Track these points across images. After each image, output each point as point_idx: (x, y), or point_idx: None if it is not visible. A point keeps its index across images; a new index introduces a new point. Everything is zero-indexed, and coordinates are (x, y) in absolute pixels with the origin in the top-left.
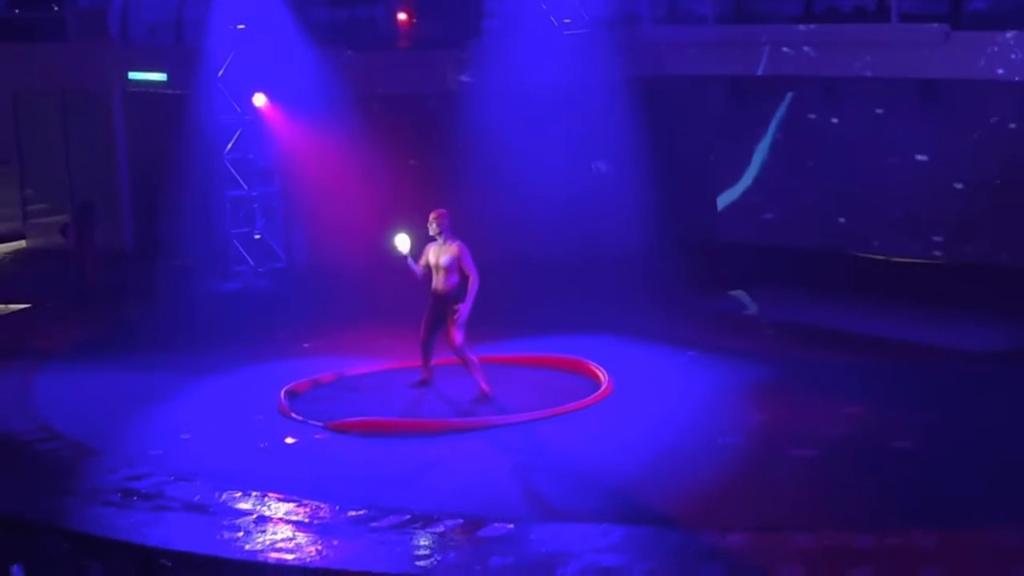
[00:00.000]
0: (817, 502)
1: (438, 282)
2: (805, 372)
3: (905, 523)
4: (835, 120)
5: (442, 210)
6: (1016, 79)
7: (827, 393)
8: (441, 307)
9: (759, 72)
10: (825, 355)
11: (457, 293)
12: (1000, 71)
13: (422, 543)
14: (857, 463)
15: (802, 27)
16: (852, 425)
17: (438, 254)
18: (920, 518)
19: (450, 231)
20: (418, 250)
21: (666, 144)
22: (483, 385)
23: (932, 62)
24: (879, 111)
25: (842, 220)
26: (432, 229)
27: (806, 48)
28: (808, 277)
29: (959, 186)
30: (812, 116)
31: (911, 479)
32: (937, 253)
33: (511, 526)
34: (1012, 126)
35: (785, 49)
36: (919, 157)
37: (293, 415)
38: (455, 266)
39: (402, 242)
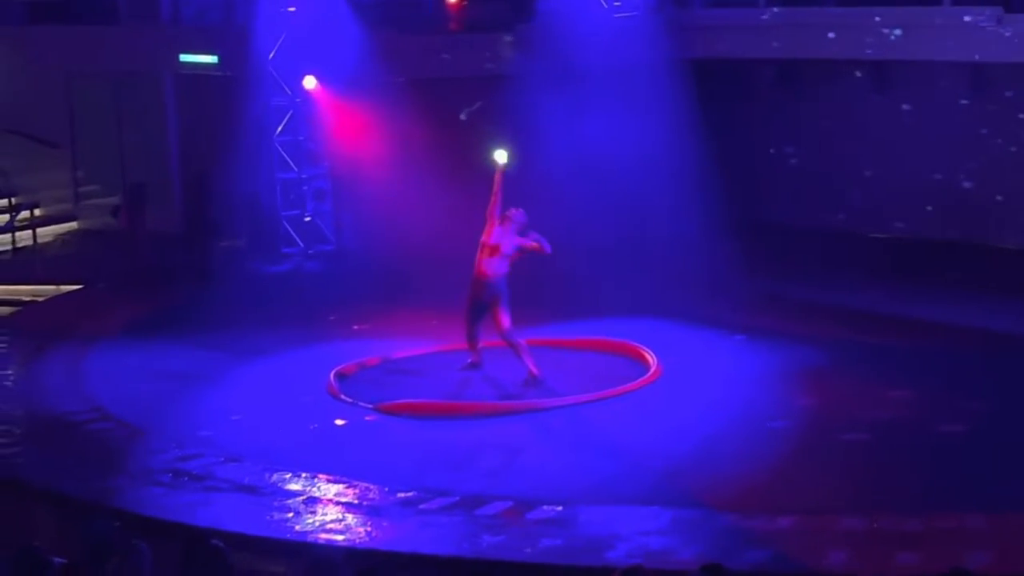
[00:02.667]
0: (866, 486)
1: (490, 265)
2: (855, 356)
3: (954, 507)
4: (885, 103)
5: (522, 211)
6: None
7: (877, 377)
8: (484, 293)
9: (808, 55)
10: (875, 339)
11: (501, 283)
12: None
13: (471, 525)
14: (906, 447)
15: (850, 10)
16: (901, 409)
17: (500, 238)
18: (969, 502)
19: (516, 229)
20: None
21: (715, 126)
22: (532, 368)
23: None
24: (930, 94)
25: (892, 203)
26: (508, 216)
27: (856, 32)
28: (858, 260)
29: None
30: (862, 99)
31: (960, 463)
32: (988, 237)
33: (560, 508)
34: None
35: (831, 34)
36: (971, 139)
37: (342, 397)
38: (511, 255)
39: (501, 156)
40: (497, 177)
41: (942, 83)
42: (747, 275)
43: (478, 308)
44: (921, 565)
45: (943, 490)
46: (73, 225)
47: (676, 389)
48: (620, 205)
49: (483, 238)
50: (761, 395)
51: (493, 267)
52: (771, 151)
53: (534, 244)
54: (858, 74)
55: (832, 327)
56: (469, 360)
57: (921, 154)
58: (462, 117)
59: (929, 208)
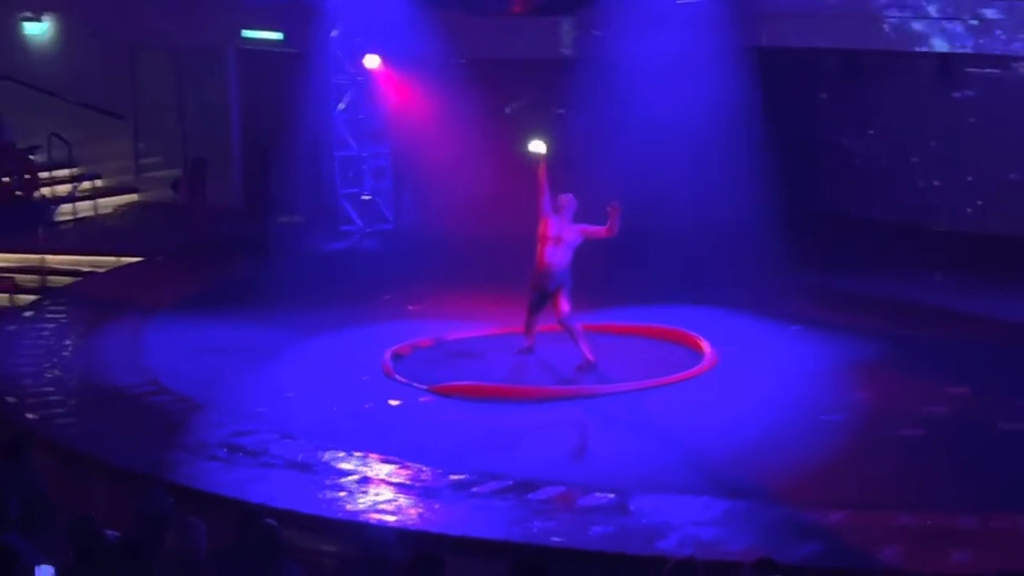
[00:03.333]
0: (921, 482)
1: (553, 256)
2: (912, 350)
3: (1010, 507)
4: (950, 95)
5: (571, 196)
6: None
7: (935, 372)
8: (548, 283)
9: (874, 46)
10: (933, 333)
11: (565, 273)
12: None
13: (522, 510)
14: (963, 444)
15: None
16: (959, 405)
17: (560, 229)
18: None
19: (570, 217)
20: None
21: (777, 115)
22: (587, 354)
23: None
24: (997, 88)
25: (953, 197)
26: (560, 204)
27: (920, 24)
28: (918, 253)
29: None
30: (926, 91)
31: (1018, 461)
32: None
33: (612, 496)
34: None
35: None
36: None
37: (397, 377)
38: (574, 244)
39: (538, 146)
40: (540, 170)
41: (1009, 77)
42: (805, 266)
43: (540, 298)
44: (974, 564)
45: (999, 489)
46: (134, 197)
47: (731, 379)
48: (681, 192)
49: (540, 231)
50: (816, 388)
51: (556, 257)
52: (833, 141)
53: (601, 229)
54: (923, 66)
55: (890, 320)
56: (524, 344)
57: (985, 148)
58: (507, 111)
59: (989, 202)
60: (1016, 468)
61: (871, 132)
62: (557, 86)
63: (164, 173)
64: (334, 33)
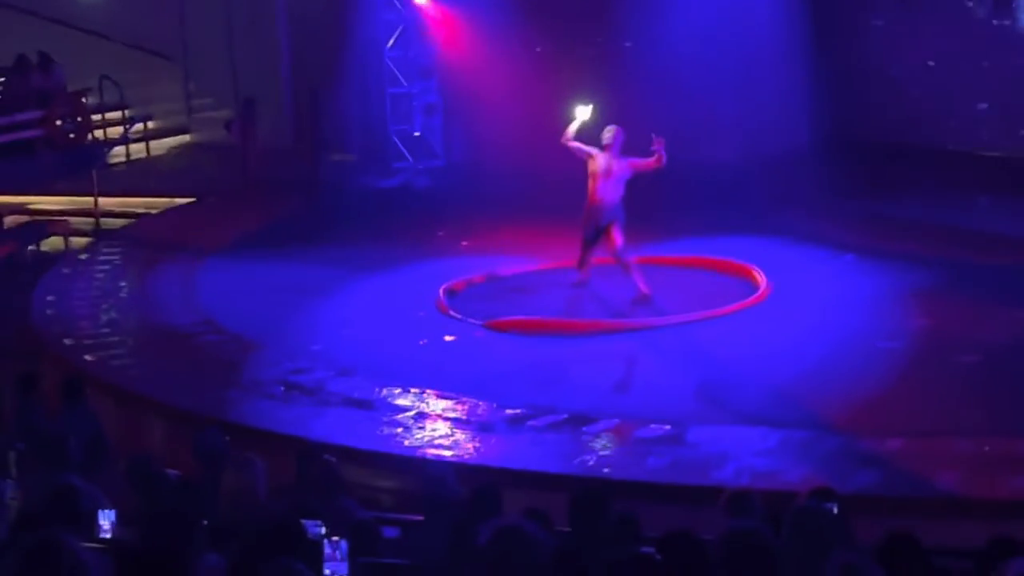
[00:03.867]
0: (979, 408)
1: (604, 191)
2: (968, 276)
3: None
4: (1006, 22)
5: (619, 128)
6: None
7: (993, 297)
8: (601, 218)
9: None
10: (989, 259)
11: (618, 207)
12: None
13: (579, 443)
14: (1021, 370)
15: None
16: (1016, 330)
17: (609, 163)
18: None
19: (619, 149)
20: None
21: (831, 42)
22: (642, 287)
23: None
24: None
25: (1007, 121)
26: (606, 138)
27: None
28: (972, 179)
29: None
30: (982, 17)
31: None
32: None
33: (668, 427)
34: None
35: None
36: None
37: (452, 313)
38: (625, 178)
39: (583, 111)
40: (569, 128)
41: None
42: (857, 194)
43: (594, 233)
44: None
45: None
46: (186, 138)
47: (785, 309)
48: (732, 121)
49: (590, 168)
50: (872, 316)
51: (608, 192)
52: (885, 67)
53: (649, 161)
54: None
55: (945, 247)
56: (578, 278)
57: None
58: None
59: None
60: None
61: (923, 58)
62: (604, 18)
63: (216, 114)
64: None
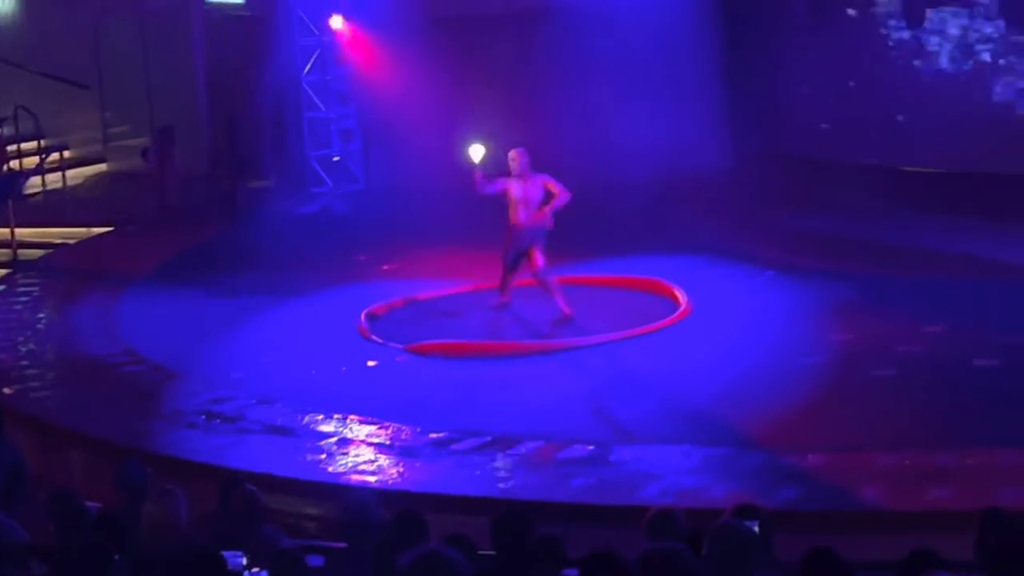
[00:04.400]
0: (899, 422)
1: (524, 216)
2: (886, 291)
3: (987, 443)
4: (913, 35)
5: (521, 148)
6: None
7: (908, 312)
8: (523, 241)
9: None
10: (906, 273)
11: (539, 230)
12: None
13: (503, 465)
14: (939, 382)
15: None
16: (934, 344)
17: (524, 189)
18: (1002, 437)
19: (530, 168)
20: (493, 171)
21: (748, 58)
22: (563, 307)
23: None
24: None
25: (924, 136)
26: (513, 168)
27: None
28: (889, 194)
29: None
30: (889, 30)
31: (994, 398)
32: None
33: (592, 448)
34: None
35: None
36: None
37: (373, 338)
38: (542, 199)
39: (476, 152)
40: (477, 177)
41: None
42: (777, 210)
43: (516, 253)
44: (953, 501)
45: (976, 426)
46: (102, 167)
47: (707, 326)
48: (650, 140)
49: (509, 198)
50: (792, 331)
51: (529, 217)
52: (803, 82)
53: (557, 191)
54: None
55: (863, 262)
56: (499, 299)
57: (952, 87)
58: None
59: (960, 141)
60: (991, 404)
61: (840, 74)
62: (521, 39)
63: (132, 142)
64: None
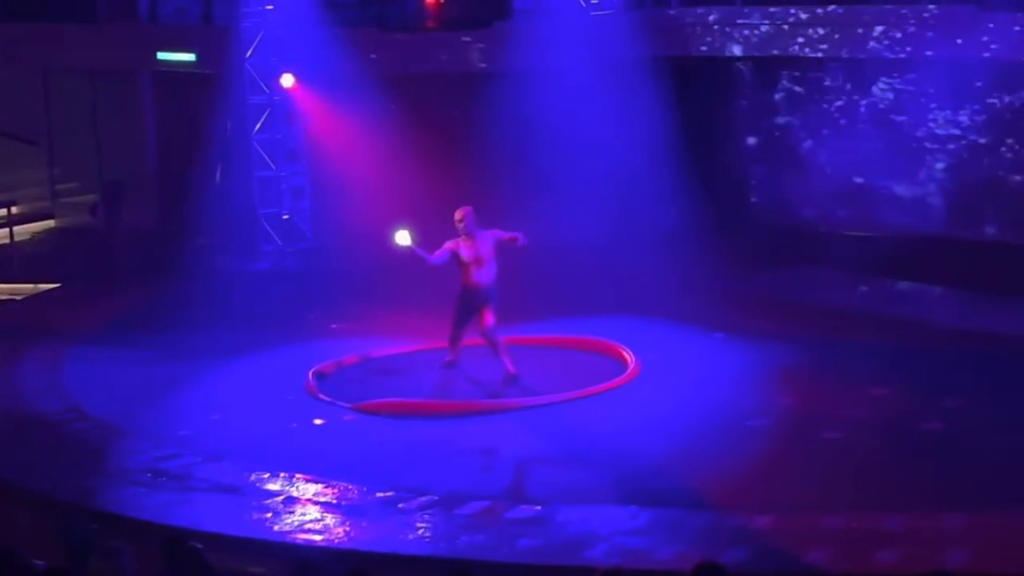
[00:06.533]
0: (845, 484)
1: (479, 275)
2: (834, 354)
3: (934, 506)
4: (858, 99)
5: (467, 208)
6: None
7: (856, 375)
8: (476, 299)
9: (783, 52)
10: (854, 337)
11: (492, 289)
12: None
13: (450, 525)
14: (886, 445)
15: (825, 9)
16: (881, 407)
17: (476, 249)
18: (949, 501)
19: (476, 226)
20: (424, 238)
21: (696, 125)
22: (510, 367)
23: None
24: (901, 89)
25: (871, 202)
26: (460, 228)
27: (826, 30)
28: (838, 257)
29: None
30: (836, 96)
31: (940, 461)
32: (968, 233)
33: (538, 508)
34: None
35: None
36: (952, 131)
37: (321, 396)
38: (493, 255)
39: (402, 237)
40: (419, 256)
41: (921, 82)
42: (727, 274)
43: (467, 312)
44: (900, 564)
45: (922, 488)
46: (50, 223)
47: (655, 388)
48: (600, 204)
49: (460, 261)
50: (740, 393)
51: (482, 276)
52: (750, 149)
53: (509, 236)
54: (832, 71)
55: (811, 325)
56: (447, 359)
57: (904, 152)
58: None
59: (910, 205)
60: (938, 467)
61: (790, 140)
62: (473, 100)
63: (81, 198)
64: (249, 54)
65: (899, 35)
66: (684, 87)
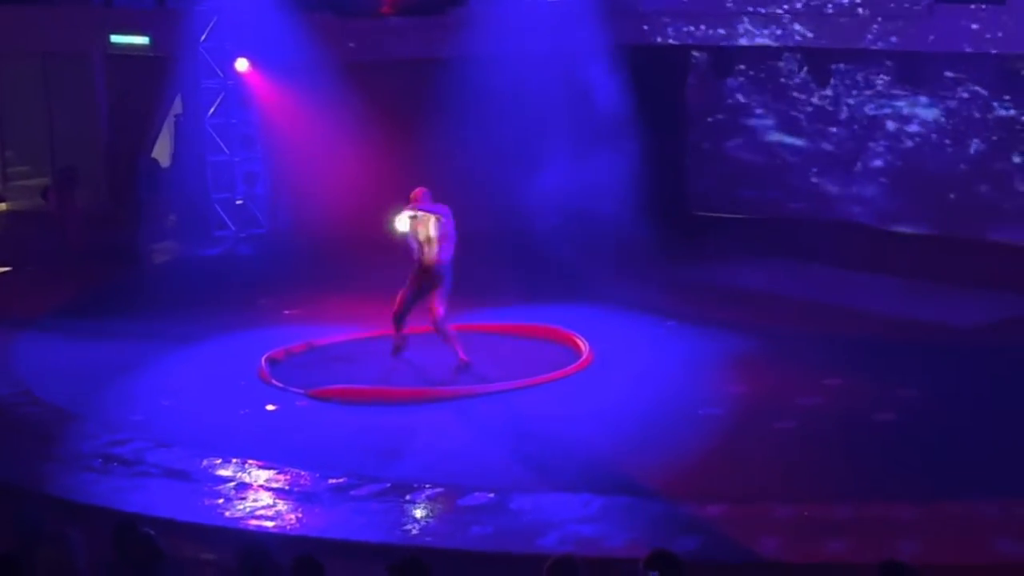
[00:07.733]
0: (796, 474)
1: (429, 254)
2: (786, 343)
3: (884, 495)
4: (814, 88)
5: (422, 189)
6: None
7: (808, 364)
8: (427, 279)
9: (739, 42)
10: (806, 327)
11: (447, 269)
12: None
13: (402, 512)
14: (837, 435)
15: None
16: (833, 397)
17: (427, 227)
18: (900, 490)
19: (431, 205)
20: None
21: (651, 113)
22: (461, 355)
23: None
24: (860, 80)
25: (825, 190)
26: (415, 207)
27: (788, 18)
28: (790, 247)
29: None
30: (792, 85)
31: (891, 451)
32: (923, 226)
33: (491, 495)
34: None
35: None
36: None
37: (274, 382)
38: (445, 235)
39: (402, 223)
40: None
41: (871, 70)
42: (679, 262)
43: (417, 292)
44: (850, 553)
45: (873, 478)
46: (1, 207)
47: (607, 376)
48: (553, 191)
49: (418, 237)
50: (692, 382)
51: (434, 254)
52: (706, 137)
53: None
54: (788, 61)
55: (764, 314)
56: (393, 343)
57: (856, 139)
58: None
59: (861, 195)
60: (889, 457)
61: (749, 130)
62: (428, 86)
63: (33, 182)
64: (203, 38)
65: (850, 25)
66: (639, 75)
